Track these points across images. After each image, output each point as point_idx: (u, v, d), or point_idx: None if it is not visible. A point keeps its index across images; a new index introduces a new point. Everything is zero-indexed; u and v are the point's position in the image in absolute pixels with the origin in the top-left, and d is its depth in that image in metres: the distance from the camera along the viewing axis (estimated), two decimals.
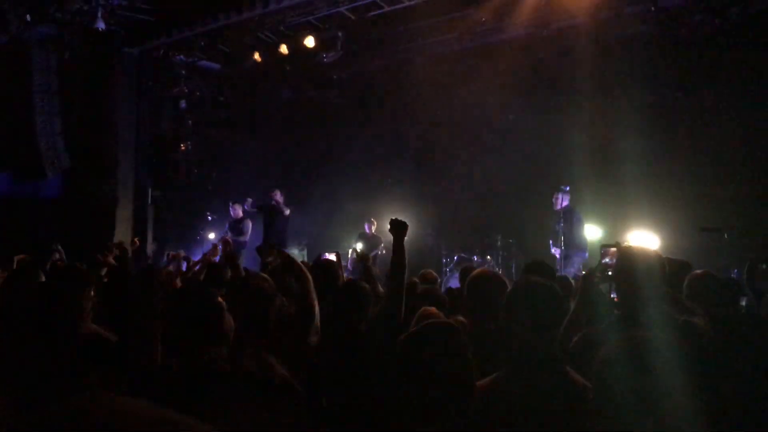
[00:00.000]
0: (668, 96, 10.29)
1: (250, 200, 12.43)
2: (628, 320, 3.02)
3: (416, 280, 5.77)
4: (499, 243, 11.60)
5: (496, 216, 11.97)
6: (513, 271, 11.13)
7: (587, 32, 10.32)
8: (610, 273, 3.36)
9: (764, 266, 5.04)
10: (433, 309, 3.51)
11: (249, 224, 12.33)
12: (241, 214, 12.41)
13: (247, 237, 12.21)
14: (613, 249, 3.42)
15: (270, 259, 3.21)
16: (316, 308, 3.02)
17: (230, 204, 12.51)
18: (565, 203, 9.89)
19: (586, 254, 9.63)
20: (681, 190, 9.09)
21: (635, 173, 9.32)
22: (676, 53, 9.90)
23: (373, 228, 12.54)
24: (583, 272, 3.51)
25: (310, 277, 3.09)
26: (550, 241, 10.03)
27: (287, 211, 12.09)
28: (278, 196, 12.08)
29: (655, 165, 9.67)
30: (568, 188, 9.58)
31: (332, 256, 6.96)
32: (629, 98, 10.25)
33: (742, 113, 9.40)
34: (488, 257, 11.51)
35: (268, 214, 12.21)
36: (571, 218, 9.71)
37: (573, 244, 9.64)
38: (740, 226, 8.28)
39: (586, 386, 2.38)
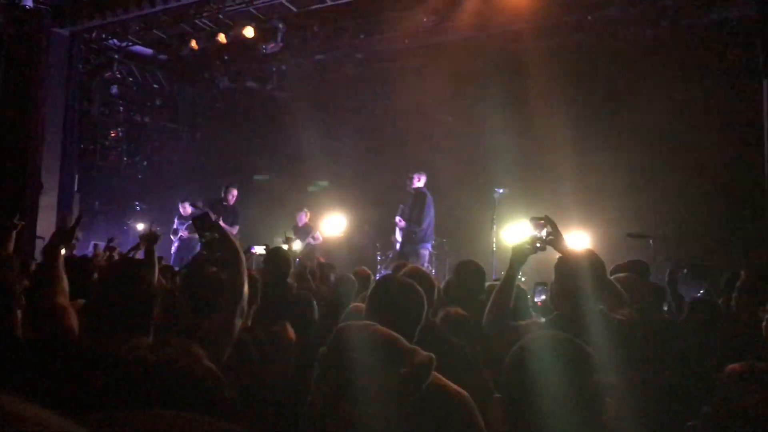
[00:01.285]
0: (600, 103, 10.59)
1: (200, 202, 12.05)
2: (563, 320, 3.08)
3: (351, 276, 5.76)
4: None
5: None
6: (446, 268, 11.23)
7: (525, 38, 10.54)
8: (539, 245, 3.34)
9: (685, 272, 5.22)
10: (361, 305, 3.52)
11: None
12: (190, 211, 12.08)
13: None
14: (542, 221, 3.38)
15: (206, 234, 3.04)
16: (245, 290, 2.91)
17: (179, 202, 12.11)
18: (416, 184, 10.30)
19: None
20: (611, 197, 9.35)
21: (568, 179, 9.56)
22: (610, 62, 10.21)
23: (307, 218, 12.23)
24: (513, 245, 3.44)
25: (243, 258, 2.98)
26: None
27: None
28: (231, 196, 11.74)
29: (587, 172, 9.94)
30: (501, 190, 9.72)
31: (261, 249, 6.87)
32: (564, 104, 10.49)
33: (671, 123, 9.77)
34: None
35: (220, 213, 11.86)
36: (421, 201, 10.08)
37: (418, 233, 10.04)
38: (665, 234, 8.61)
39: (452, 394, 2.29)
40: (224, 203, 11.24)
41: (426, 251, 10.25)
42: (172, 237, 12.19)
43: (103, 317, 2.53)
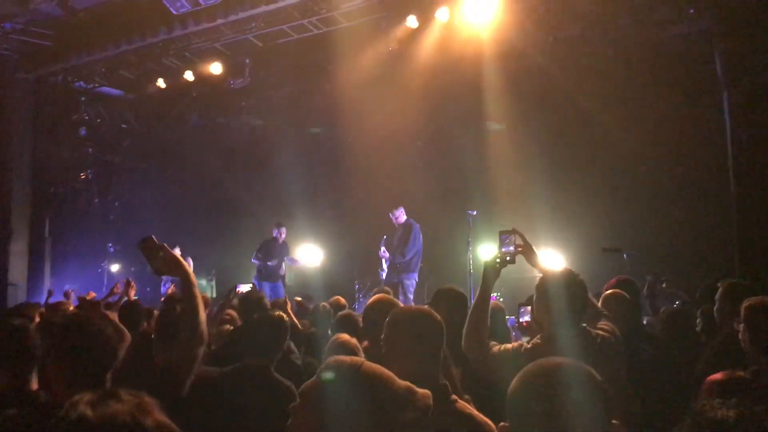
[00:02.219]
0: (567, 122, 10.76)
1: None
2: (547, 341, 3.09)
3: (327, 306, 5.73)
4: None
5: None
6: (425, 294, 11.22)
7: (490, 62, 10.70)
8: (509, 259, 3.34)
9: (663, 285, 5.29)
10: (345, 336, 3.49)
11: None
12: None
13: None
14: (510, 233, 3.39)
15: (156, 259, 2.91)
16: (201, 315, 2.80)
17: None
18: (402, 219, 10.48)
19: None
20: (583, 213, 9.47)
21: (540, 198, 9.66)
22: (574, 82, 10.39)
23: (282, 235, 12.09)
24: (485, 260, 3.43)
25: (194, 281, 2.86)
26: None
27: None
28: (282, 234, 11.89)
29: (559, 189, 10.07)
30: (474, 212, 9.79)
31: (246, 287, 6.79)
32: (532, 124, 10.65)
33: (638, 138, 9.95)
34: None
35: (275, 253, 11.84)
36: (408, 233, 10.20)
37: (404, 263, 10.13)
38: (639, 248, 8.71)
39: (473, 418, 2.29)
40: (277, 241, 11.34)
41: (411, 281, 10.25)
42: (163, 277, 12.09)
43: (54, 371, 2.45)
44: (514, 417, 1.77)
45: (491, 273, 3.31)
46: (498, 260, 3.31)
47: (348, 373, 1.91)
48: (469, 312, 3.29)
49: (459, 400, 2.40)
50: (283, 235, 11.71)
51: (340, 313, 4.76)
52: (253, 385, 3.35)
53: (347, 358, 2.07)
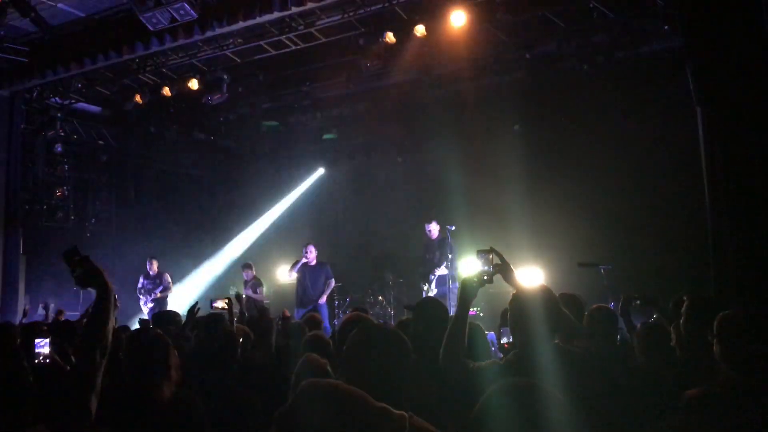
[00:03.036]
0: (544, 137, 10.86)
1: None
2: (520, 358, 3.09)
3: (303, 324, 5.70)
4: (390, 282, 11.68)
5: (386, 256, 12.09)
6: (403, 309, 11.21)
7: (467, 78, 10.78)
8: (486, 278, 3.34)
9: (638, 302, 5.32)
10: (315, 356, 3.45)
11: (168, 277, 11.88)
12: (157, 268, 11.93)
13: (172, 290, 11.81)
14: (488, 253, 3.40)
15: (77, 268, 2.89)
16: (109, 326, 2.74)
17: (148, 259, 11.99)
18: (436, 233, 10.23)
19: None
20: (560, 229, 9.51)
21: (517, 213, 9.70)
22: (550, 98, 10.49)
23: (252, 274, 12.08)
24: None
25: (111, 294, 2.82)
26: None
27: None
28: (310, 253, 11.33)
29: (536, 205, 10.12)
30: (453, 227, 9.81)
31: (222, 303, 6.76)
32: (509, 140, 10.72)
33: (614, 153, 10.05)
34: (380, 297, 11.57)
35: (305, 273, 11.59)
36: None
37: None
38: (615, 263, 8.76)
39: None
40: (306, 262, 11.09)
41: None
42: (140, 296, 11.98)
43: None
44: None
45: (469, 291, 3.31)
46: (475, 279, 3.32)
47: (324, 394, 1.91)
48: (447, 332, 3.27)
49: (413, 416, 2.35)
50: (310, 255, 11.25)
51: (309, 334, 4.72)
52: None
53: (323, 381, 2.06)
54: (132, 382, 3.26)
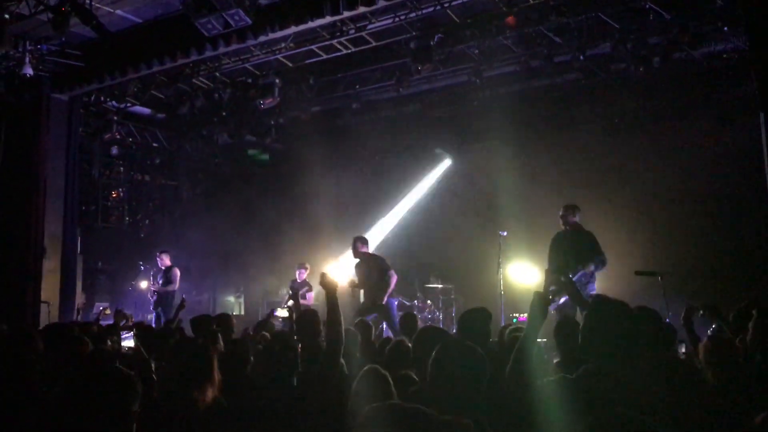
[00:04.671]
0: (599, 141, 10.65)
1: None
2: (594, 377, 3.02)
3: (356, 330, 5.69)
4: (439, 288, 11.63)
5: (436, 261, 12.03)
6: (453, 315, 11.15)
7: (520, 79, 10.66)
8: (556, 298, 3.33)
9: (701, 314, 5.16)
10: (376, 369, 3.44)
11: (177, 273, 11.93)
12: (168, 262, 12.03)
13: (176, 286, 11.79)
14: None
15: None
16: None
17: (157, 254, 12.12)
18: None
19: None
20: (615, 235, 9.26)
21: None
22: (604, 100, 10.29)
23: (306, 274, 12.11)
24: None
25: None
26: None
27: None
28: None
29: (592, 211, 9.89)
30: (505, 233, 9.68)
31: (284, 312, 6.94)
32: (563, 144, 10.56)
33: (671, 158, 9.80)
34: (428, 302, 11.52)
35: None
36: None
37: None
38: (674, 270, 8.51)
39: None
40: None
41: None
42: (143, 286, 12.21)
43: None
44: None
45: (543, 309, 3.27)
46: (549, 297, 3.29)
47: (391, 419, 1.99)
48: (517, 347, 3.22)
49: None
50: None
51: (396, 340, 4.80)
52: None
53: (387, 405, 2.15)
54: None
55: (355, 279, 9.54)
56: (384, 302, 9.24)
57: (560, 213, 8.51)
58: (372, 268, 9.48)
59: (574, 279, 7.45)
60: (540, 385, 3.08)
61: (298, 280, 11.90)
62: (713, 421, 3.34)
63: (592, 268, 7.99)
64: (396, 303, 9.90)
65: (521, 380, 3.13)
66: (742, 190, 8.70)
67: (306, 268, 12.00)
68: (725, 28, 8.86)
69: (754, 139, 7.42)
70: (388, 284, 9.27)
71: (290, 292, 11.76)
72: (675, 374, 3.95)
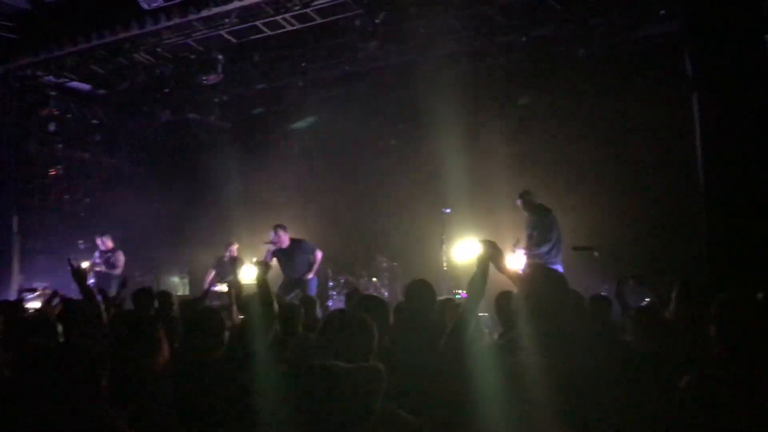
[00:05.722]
0: (539, 121, 10.86)
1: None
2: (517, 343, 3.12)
3: (300, 304, 5.75)
4: (384, 265, 11.73)
5: (382, 239, 12.11)
6: (398, 292, 11.26)
7: (463, 60, 10.77)
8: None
9: (631, 282, 5.39)
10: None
11: (121, 257, 11.68)
12: (111, 244, 11.77)
13: (120, 270, 11.52)
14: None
15: None
16: None
17: (97, 236, 11.82)
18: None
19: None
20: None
21: (510, 196, 9.70)
22: (546, 81, 10.48)
23: (234, 251, 11.98)
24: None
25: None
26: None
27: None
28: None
29: (533, 188, 10.10)
30: (449, 210, 9.83)
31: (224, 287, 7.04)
32: (504, 123, 10.73)
33: (607, 138, 10.07)
34: (374, 279, 11.62)
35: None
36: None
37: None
38: (609, 246, 8.80)
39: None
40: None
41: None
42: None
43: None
44: None
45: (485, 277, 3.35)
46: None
47: None
48: (461, 313, 3.31)
49: None
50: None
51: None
52: None
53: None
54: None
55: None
56: (309, 277, 10.08)
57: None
58: (297, 253, 10.18)
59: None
60: (471, 350, 3.18)
61: (225, 260, 11.76)
62: (637, 383, 3.50)
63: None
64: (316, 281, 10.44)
65: (454, 347, 3.23)
66: (676, 169, 9.00)
67: (235, 246, 11.91)
68: (662, 11, 9.11)
69: (688, 119, 7.70)
70: (314, 262, 10.20)
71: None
72: (602, 339, 4.15)
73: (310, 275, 10.15)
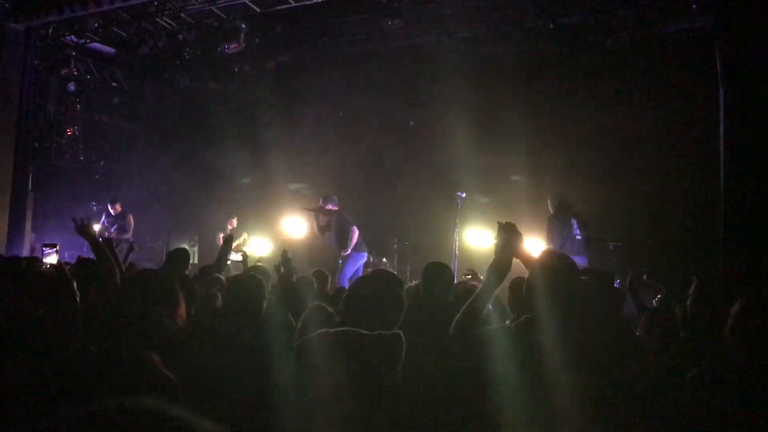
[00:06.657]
0: (560, 109, 10.74)
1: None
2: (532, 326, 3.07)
3: (312, 278, 5.77)
4: (395, 246, 11.70)
5: (392, 220, 12.07)
6: (408, 273, 11.24)
7: (487, 44, 10.64)
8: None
9: (645, 278, 5.33)
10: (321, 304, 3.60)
11: (131, 220, 11.79)
12: (120, 209, 11.87)
13: (131, 234, 11.66)
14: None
15: None
16: None
17: (108, 202, 11.94)
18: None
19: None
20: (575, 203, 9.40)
21: (526, 183, 9.63)
22: (571, 70, 10.35)
23: (234, 223, 12.19)
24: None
25: None
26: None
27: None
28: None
29: (550, 179, 10.03)
30: (464, 194, 9.76)
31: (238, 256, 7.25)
32: (524, 109, 10.61)
33: (630, 129, 9.95)
34: (384, 259, 11.59)
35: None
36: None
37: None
38: (627, 240, 8.72)
39: None
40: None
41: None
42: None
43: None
44: None
45: (507, 265, 3.26)
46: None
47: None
48: (470, 300, 3.23)
49: None
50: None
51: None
52: None
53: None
54: None
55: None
56: (346, 253, 10.16)
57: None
58: (337, 224, 10.36)
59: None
60: (479, 333, 3.13)
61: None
62: (645, 376, 3.46)
63: None
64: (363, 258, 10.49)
65: (467, 329, 3.18)
66: (697, 165, 8.89)
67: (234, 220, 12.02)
68: (693, 6, 8.95)
69: (712, 115, 7.59)
70: (349, 238, 10.19)
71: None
72: (613, 332, 4.10)
73: (347, 251, 10.19)
